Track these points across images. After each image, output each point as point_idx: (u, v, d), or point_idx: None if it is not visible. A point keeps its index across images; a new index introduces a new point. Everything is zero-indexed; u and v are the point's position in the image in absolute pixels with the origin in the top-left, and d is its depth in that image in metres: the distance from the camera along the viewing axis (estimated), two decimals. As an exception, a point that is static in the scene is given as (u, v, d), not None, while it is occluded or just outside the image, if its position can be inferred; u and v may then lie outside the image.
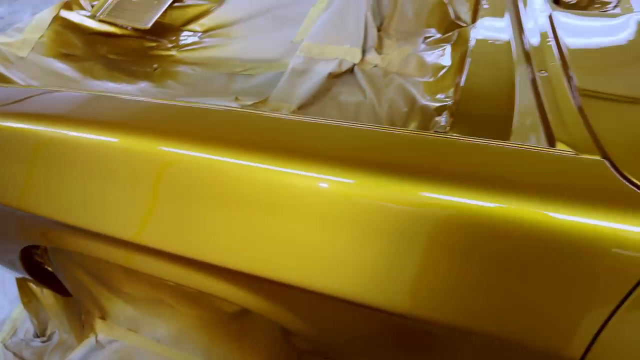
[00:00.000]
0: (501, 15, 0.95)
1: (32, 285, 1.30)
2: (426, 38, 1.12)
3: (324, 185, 0.61)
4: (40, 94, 0.81)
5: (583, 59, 0.75)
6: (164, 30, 1.25)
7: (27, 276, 1.09)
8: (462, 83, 0.82)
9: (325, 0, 1.17)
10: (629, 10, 0.86)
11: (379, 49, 1.11)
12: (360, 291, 0.63)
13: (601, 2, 0.91)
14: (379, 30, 1.13)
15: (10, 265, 1.09)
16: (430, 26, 1.16)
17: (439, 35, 1.13)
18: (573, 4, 0.93)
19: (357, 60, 1.06)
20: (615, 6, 0.88)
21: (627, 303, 0.55)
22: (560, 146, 0.63)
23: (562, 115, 0.67)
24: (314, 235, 0.63)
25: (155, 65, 1.16)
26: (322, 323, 0.77)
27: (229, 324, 0.86)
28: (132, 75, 1.11)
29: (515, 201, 0.57)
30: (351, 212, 0.60)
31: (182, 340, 0.94)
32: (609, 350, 0.58)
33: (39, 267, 1.05)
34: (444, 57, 1.02)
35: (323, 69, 1.03)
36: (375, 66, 1.07)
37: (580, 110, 0.66)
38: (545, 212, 0.56)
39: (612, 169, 0.58)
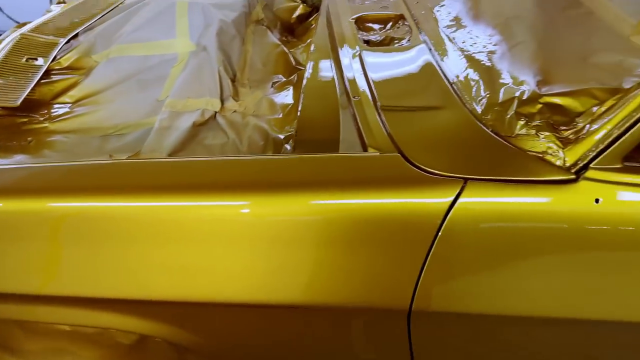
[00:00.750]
0: (326, 57, 1.16)
1: None
2: (274, 83, 1.31)
3: (222, 210, 0.75)
4: None
5: (384, 84, 0.97)
6: (34, 105, 1.32)
7: None
8: (298, 114, 1.00)
9: (183, 61, 1.33)
10: (418, 42, 1.11)
11: (236, 96, 1.28)
12: (266, 292, 0.77)
13: (398, 38, 1.16)
14: (233, 81, 1.30)
15: None
16: (277, 73, 1.36)
17: (284, 80, 1.34)
18: (379, 42, 1.17)
19: (217, 108, 1.22)
20: (408, 41, 1.13)
21: (432, 251, 0.73)
22: (370, 150, 0.82)
23: (370, 127, 0.87)
24: (218, 254, 0.77)
25: (29, 139, 1.23)
26: (223, 334, 0.89)
27: (128, 357, 0.95)
28: (7, 150, 1.18)
29: (337, 195, 0.75)
30: (254, 227, 0.74)
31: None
32: (428, 292, 0.76)
33: None
34: (288, 96, 1.22)
35: (188, 120, 1.17)
36: (234, 111, 1.24)
37: (382, 121, 0.87)
38: (357, 201, 0.74)
39: (404, 160, 0.78)
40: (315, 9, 1.68)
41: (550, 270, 0.73)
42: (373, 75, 0.99)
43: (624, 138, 0.70)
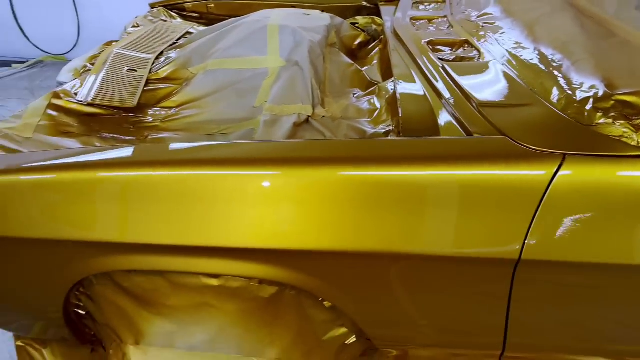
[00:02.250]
0: (408, 71, 1.38)
1: (32, 351, 1.37)
2: (354, 94, 1.53)
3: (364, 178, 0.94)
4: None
5: (473, 87, 1.18)
6: (141, 108, 1.50)
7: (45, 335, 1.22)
8: (400, 114, 1.21)
9: (274, 75, 1.53)
10: (490, 59, 1.33)
11: (322, 105, 1.48)
12: (397, 243, 0.95)
13: (469, 58, 1.39)
14: (319, 92, 1.51)
15: (39, 320, 1.22)
16: (353, 87, 1.57)
17: (361, 92, 1.55)
18: (452, 60, 1.40)
19: (310, 113, 1.41)
20: (479, 58, 1.36)
21: (538, 212, 0.92)
22: (476, 135, 1.02)
23: (470, 119, 1.08)
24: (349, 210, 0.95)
25: (146, 134, 1.40)
26: (356, 285, 1.04)
27: (263, 310, 1.10)
28: (130, 144, 1.35)
29: (462, 167, 0.95)
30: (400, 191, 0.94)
31: (217, 339, 1.14)
32: (534, 245, 0.94)
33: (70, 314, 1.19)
34: (373, 103, 1.43)
35: (288, 120, 1.37)
36: (323, 116, 1.44)
37: (482, 114, 1.08)
38: (477, 172, 0.94)
39: (512, 141, 0.98)
40: (373, 38, 1.93)
41: (629, 220, 0.92)
42: (462, 82, 1.20)
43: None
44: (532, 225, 0.94)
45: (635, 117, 0.99)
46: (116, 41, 1.95)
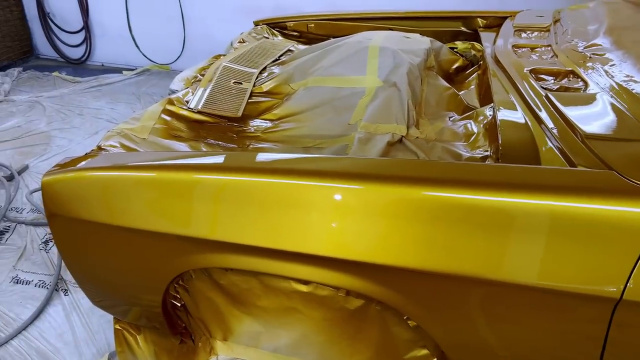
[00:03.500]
0: (508, 98, 1.37)
1: (128, 335, 1.48)
2: (450, 117, 1.53)
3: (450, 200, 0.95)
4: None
5: (579, 119, 1.15)
6: (244, 119, 1.60)
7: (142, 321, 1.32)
8: (499, 140, 1.20)
9: (370, 94, 1.57)
10: (598, 91, 1.29)
11: (417, 126, 1.50)
12: (485, 268, 0.95)
13: (574, 89, 1.36)
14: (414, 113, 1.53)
15: (138, 306, 1.32)
16: (449, 110, 1.58)
17: (457, 116, 1.55)
18: (556, 89, 1.37)
19: (404, 133, 1.44)
20: (585, 89, 1.32)
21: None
22: (580, 167, 1.00)
23: (575, 150, 1.05)
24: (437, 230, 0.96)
25: (248, 143, 1.49)
26: (441, 306, 1.05)
27: (348, 322, 1.13)
28: (232, 151, 1.44)
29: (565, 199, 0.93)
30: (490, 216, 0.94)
31: (300, 345, 1.18)
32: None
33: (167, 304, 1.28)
34: (470, 128, 1.42)
35: (382, 139, 1.40)
36: (417, 137, 1.45)
37: (588, 146, 1.05)
38: (582, 205, 0.91)
39: (620, 176, 0.95)
40: (471, 63, 1.92)
41: None
42: (567, 112, 1.18)
43: None
44: (638, 264, 0.90)
45: None
46: (223, 55, 2.09)
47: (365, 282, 1.05)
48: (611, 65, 1.39)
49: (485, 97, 1.52)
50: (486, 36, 2.01)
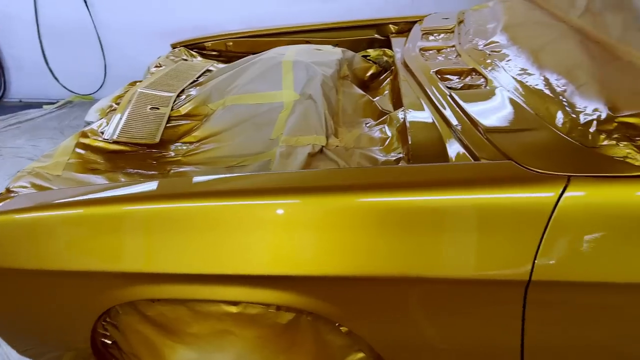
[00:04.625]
0: (417, 100, 1.43)
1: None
2: (366, 124, 1.58)
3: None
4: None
5: (480, 114, 1.22)
6: (163, 144, 1.58)
7: None
8: (409, 141, 1.25)
9: (289, 108, 1.59)
10: (497, 86, 1.37)
11: (336, 135, 1.53)
12: (407, 266, 0.99)
13: (476, 85, 1.43)
14: (332, 122, 1.56)
15: (68, 350, 1.27)
16: (366, 116, 1.63)
17: (373, 122, 1.60)
18: (460, 88, 1.44)
19: (323, 143, 1.47)
20: (486, 85, 1.40)
21: (546, 233, 0.94)
22: (483, 160, 1.06)
23: (477, 144, 1.11)
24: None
25: (168, 168, 1.47)
26: (367, 308, 1.07)
27: (281, 337, 1.13)
28: (153, 178, 1.41)
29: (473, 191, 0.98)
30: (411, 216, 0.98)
31: (238, 366, 1.18)
32: (544, 266, 0.96)
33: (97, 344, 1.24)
34: (384, 132, 1.47)
35: (303, 151, 1.42)
36: (337, 146, 1.49)
37: (488, 140, 1.11)
38: (485, 196, 0.97)
39: (518, 165, 1.01)
40: (384, 69, 1.99)
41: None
42: (469, 109, 1.24)
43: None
44: (541, 247, 0.95)
45: (638, 138, 1.01)
46: (140, 81, 2.06)
47: (295, 296, 1.06)
48: (507, 61, 1.48)
49: (397, 101, 1.58)
50: (397, 41, 2.08)
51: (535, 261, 0.96)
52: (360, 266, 0.99)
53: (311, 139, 1.47)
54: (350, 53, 1.99)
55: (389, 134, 1.45)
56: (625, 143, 1.01)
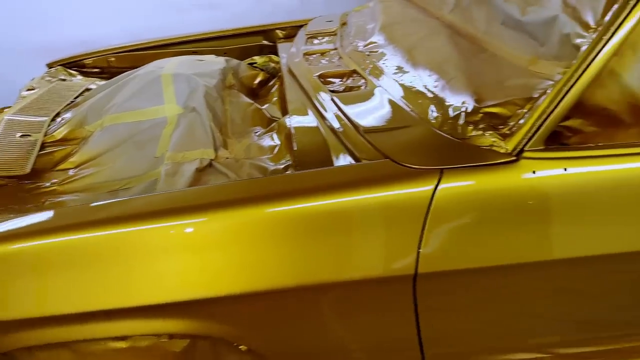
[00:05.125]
0: (302, 105, 1.43)
1: None
2: (256, 133, 1.55)
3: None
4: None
5: (359, 115, 1.24)
6: (37, 174, 1.45)
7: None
8: (294, 148, 1.24)
9: (173, 122, 1.53)
10: (375, 86, 1.40)
11: (225, 146, 1.49)
12: (289, 277, 0.98)
13: (357, 87, 1.46)
14: (220, 134, 1.52)
15: None
16: (255, 125, 1.61)
17: (262, 130, 1.58)
18: (342, 90, 1.46)
19: (212, 156, 1.42)
20: (366, 86, 1.43)
21: (426, 224, 0.97)
22: (363, 160, 1.08)
23: (357, 145, 1.13)
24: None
25: (43, 199, 1.36)
26: (258, 324, 1.05)
27: (178, 365, 1.08)
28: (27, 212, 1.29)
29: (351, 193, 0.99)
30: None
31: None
32: (428, 257, 0.99)
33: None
34: (273, 140, 1.46)
35: (190, 167, 1.37)
36: (227, 158, 1.45)
37: (367, 140, 1.13)
38: (366, 196, 0.98)
39: (394, 162, 1.03)
40: (272, 76, 1.98)
41: (512, 221, 1.00)
42: (349, 111, 1.26)
43: (542, 129, 1.02)
44: (422, 240, 0.98)
45: (501, 127, 1.07)
46: (10, 107, 1.89)
47: (187, 321, 1.02)
48: (385, 60, 1.53)
49: (285, 107, 1.57)
50: (283, 47, 2.08)
51: (419, 254, 0.99)
52: (245, 283, 0.99)
53: (198, 153, 1.42)
54: (235, 62, 1.96)
55: (278, 141, 1.44)
56: (490, 132, 1.06)
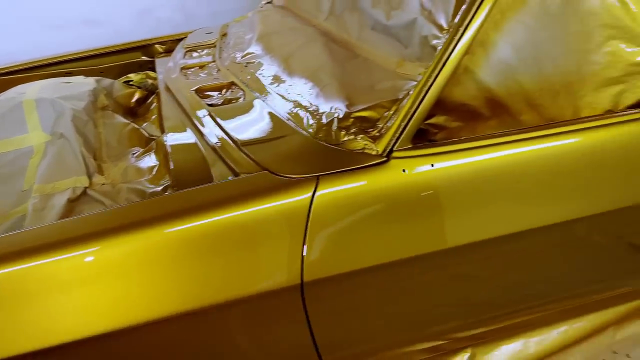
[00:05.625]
0: (180, 122, 1.38)
1: None
2: (133, 154, 1.48)
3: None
4: None
5: (236, 129, 1.22)
6: None
7: None
8: (171, 167, 1.20)
9: (40, 151, 1.41)
10: (253, 98, 1.39)
11: (100, 172, 1.41)
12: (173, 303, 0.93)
13: (235, 98, 1.44)
14: (95, 159, 1.43)
15: None
16: (133, 146, 1.53)
17: (141, 150, 1.51)
18: (220, 103, 1.43)
19: (86, 184, 1.33)
20: (244, 99, 1.42)
21: (307, 232, 0.98)
22: (242, 174, 1.06)
23: (236, 160, 1.11)
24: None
25: None
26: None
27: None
28: None
29: (230, 210, 0.97)
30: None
31: None
32: (312, 264, 0.99)
33: None
34: (151, 160, 1.40)
35: (61, 198, 1.27)
36: (103, 184, 1.37)
37: (245, 153, 1.11)
38: (245, 211, 0.97)
39: (272, 174, 1.03)
40: (150, 92, 1.90)
41: (388, 220, 1.03)
42: (226, 126, 1.24)
43: (407, 128, 1.06)
44: (305, 248, 0.99)
45: (371, 130, 1.11)
46: None
47: None
48: (262, 70, 1.52)
49: (163, 125, 1.52)
50: (161, 62, 2.01)
51: (304, 263, 0.99)
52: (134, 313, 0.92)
53: (70, 182, 1.32)
54: (107, 81, 1.86)
55: (156, 161, 1.38)
56: (362, 136, 1.09)
